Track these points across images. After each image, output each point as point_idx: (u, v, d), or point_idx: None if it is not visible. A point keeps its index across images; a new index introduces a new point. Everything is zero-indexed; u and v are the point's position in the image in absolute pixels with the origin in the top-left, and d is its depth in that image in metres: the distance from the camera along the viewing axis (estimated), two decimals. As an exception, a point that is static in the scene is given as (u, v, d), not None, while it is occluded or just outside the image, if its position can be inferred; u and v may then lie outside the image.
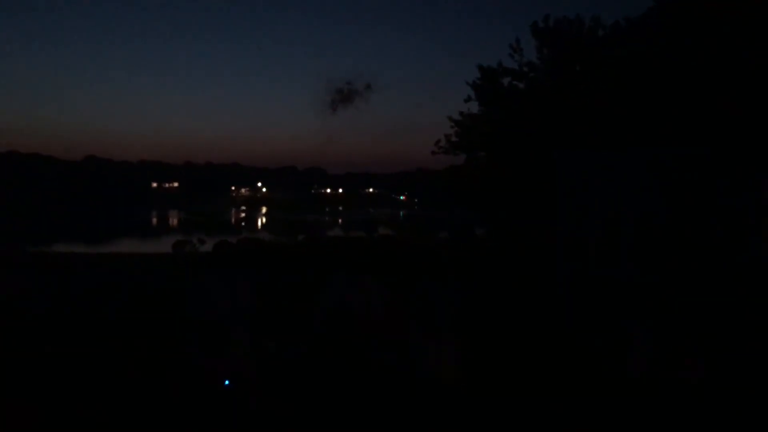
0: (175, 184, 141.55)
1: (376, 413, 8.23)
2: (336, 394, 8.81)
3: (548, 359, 10.31)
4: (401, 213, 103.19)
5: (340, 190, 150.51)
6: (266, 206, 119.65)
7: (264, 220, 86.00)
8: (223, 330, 11.05)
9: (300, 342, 11.07)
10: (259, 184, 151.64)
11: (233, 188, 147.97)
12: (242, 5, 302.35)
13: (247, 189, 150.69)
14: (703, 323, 11.10)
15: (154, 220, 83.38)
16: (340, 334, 11.22)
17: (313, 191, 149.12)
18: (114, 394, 8.73)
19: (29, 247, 33.13)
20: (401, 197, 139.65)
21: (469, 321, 12.42)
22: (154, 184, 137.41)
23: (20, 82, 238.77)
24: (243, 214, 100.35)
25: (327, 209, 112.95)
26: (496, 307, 14.18)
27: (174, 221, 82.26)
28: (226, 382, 8.76)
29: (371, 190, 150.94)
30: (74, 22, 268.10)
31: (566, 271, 15.19)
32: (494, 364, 10.09)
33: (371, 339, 10.79)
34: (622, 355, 9.32)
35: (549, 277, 16.01)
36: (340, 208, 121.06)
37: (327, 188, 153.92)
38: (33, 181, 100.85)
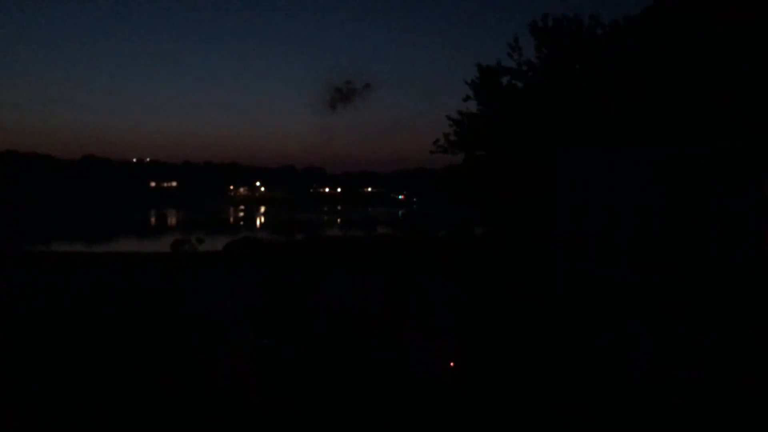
0: (174, 183, 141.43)
1: (375, 412, 8.22)
2: (335, 394, 8.79)
3: (547, 358, 10.29)
4: (400, 212, 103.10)
5: (339, 189, 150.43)
6: (265, 205, 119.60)
7: (263, 219, 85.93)
8: (223, 329, 11.04)
9: (299, 341, 11.05)
10: (258, 183, 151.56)
11: (232, 187, 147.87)
12: (242, 4, 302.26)
13: (246, 188, 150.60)
14: (702, 322, 11.09)
15: (153, 219, 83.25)
16: (339, 333, 11.20)
17: (312, 190, 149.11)
18: (114, 393, 8.70)
19: (27, 246, 33.06)
20: (400, 196, 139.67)
21: (468, 320, 12.40)
22: (153, 183, 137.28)
23: (19, 80, 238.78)
24: (241, 213, 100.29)
25: (326, 208, 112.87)
26: (495, 306, 14.16)
27: (172, 220, 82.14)
28: None
29: (370, 189, 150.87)
30: (73, 21, 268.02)
31: (565, 270, 15.17)
32: (493, 364, 10.08)
33: (370, 338, 10.78)
34: (623, 355, 9.30)
35: (548, 276, 15.99)
36: (339, 207, 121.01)
37: (326, 187, 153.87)
38: (31, 180, 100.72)
